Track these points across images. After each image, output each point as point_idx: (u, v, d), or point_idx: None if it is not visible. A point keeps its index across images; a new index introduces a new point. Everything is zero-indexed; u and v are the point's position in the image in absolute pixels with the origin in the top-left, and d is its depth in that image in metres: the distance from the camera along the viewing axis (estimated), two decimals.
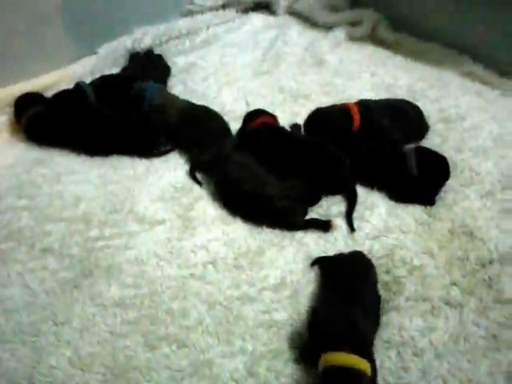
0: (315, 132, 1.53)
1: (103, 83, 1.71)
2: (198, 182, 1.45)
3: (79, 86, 1.66)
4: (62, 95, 1.64)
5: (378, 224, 1.35)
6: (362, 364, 0.94)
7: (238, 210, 1.36)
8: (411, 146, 1.49)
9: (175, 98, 1.63)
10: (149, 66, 1.83)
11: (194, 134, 1.50)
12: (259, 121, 1.52)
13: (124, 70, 1.84)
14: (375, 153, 1.46)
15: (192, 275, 1.21)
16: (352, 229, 1.33)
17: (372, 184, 1.45)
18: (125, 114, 1.60)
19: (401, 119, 1.56)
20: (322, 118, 1.53)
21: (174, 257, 1.24)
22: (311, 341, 1.04)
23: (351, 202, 1.39)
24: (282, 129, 1.55)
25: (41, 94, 1.67)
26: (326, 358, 0.96)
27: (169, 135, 1.55)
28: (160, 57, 1.90)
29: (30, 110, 1.59)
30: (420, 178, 1.39)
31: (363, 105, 1.56)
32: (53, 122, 1.58)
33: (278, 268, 1.24)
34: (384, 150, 1.47)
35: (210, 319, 1.13)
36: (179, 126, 1.53)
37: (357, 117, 1.52)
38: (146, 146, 1.54)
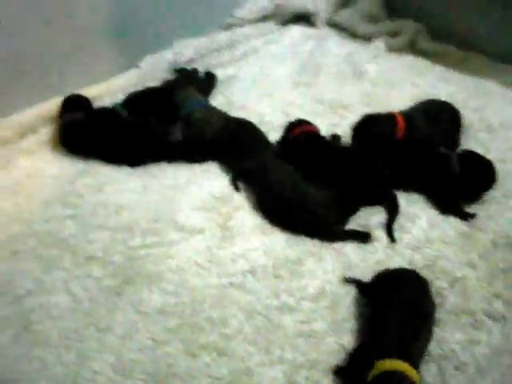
0: (361, 137, 1.53)
1: (133, 98, 1.75)
2: (238, 190, 1.47)
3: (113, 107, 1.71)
4: (95, 111, 1.69)
5: (418, 235, 1.33)
6: (414, 374, 0.94)
7: (277, 219, 1.37)
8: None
9: (217, 113, 1.65)
10: (192, 80, 1.86)
11: (234, 148, 1.53)
12: (300, 129, 1.53)
13: (167, 83, 1.86)
14: (417, 156, 1.46)
15: (231, 284, 1.22)
16: (392, 239, 1.32)
17: (414, 189, 1.45)
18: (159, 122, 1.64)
19: (438, 124, 1.56)
20: (367, 124, 1.53)
21: (214, 265, 1.25)
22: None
23: (392, 212, 1.38)
24: (322, 138, 1.56)
25: (87, 99, 1.71)
26: (378, 365, 0.95)
27: (207, 148, 1.58)
28: (206, 74, 1.93)
29: (68, 115, 1.64)
30: (463, 178, 1.39)
31: (406, 114, 1.56)
32: (88, 133, 1.61)
33: (317, 278, 1.24)
34: (426, 153, 1.47)
35: (250, 328, 1.13)
36: (219, 140, 1.56)
37: (401, 124, 1.51)
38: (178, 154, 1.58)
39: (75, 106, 1.68)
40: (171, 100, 1.70)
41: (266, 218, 1.39)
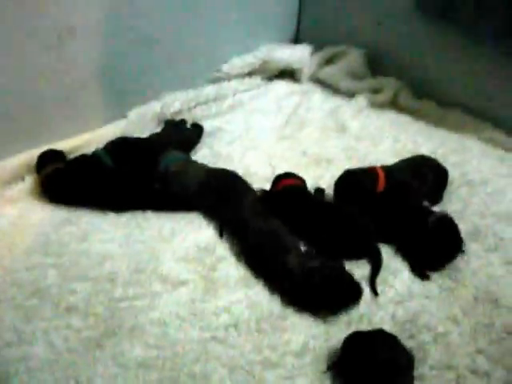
0: (342, 192, 1.55)
1: (117, 146, 1.75)
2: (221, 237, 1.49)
3: (94, 153, 1.72)
4: (79, 158, 1.70)
5: (401, 289, 1.34)
6: None
7: (259, 274, 1.37)
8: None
9: (195, 167, 1.66)
10: (177, 133, 1.89)
11: (218, 198, 1.53)
12: (282, 183, 1.55)
13: (153, 135, 1.88)
14: (395, 208, 1.49)
15: (214, 338, 1.20)
16: (375, 293, 1.32)
17: (395, 242, 1.46)
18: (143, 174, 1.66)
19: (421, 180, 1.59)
20: (349, 180, 1.55)
21: (197, 319, 1.24)
22: None
23: (375, 266, 1.39)
24: (305, 192, 1.57)
25: (62, 152, 1.71)
26: None
27: (189, 200, 1.59)
28: (194, 125, 1.96)
29: (48, 167, 1.63)
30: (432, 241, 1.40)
31: (387, 169, 1.59)
32: (71, 181, 1.61)
33: (301, 333, 1.23)
34: (403, 205, 1.49)
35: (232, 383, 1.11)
36: (200, 193, 1.57)
37: (382, 178, 1.53)
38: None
39: (53, 157, 1.67)
40: (152, 151, 1.72)
41: (249, 270, 1.39)
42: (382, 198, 1.52)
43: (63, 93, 1.75)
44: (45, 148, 1.70)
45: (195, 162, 1.68)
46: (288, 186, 1.55)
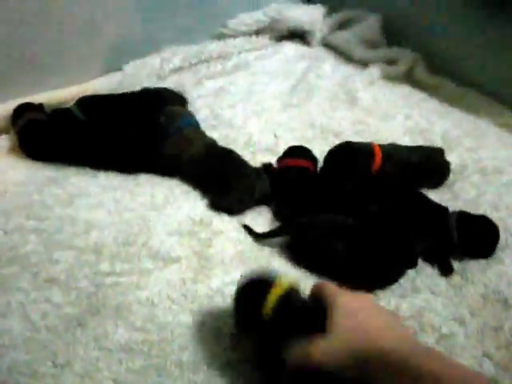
0: (334, 166, 1.43)
1: (87, 101, 1.62)
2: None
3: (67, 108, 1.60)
4: (54, 111, 1.59)
5: (405, 282, 1.25)
6: None
7: None
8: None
9: (203, 137, 1.53)
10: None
11: (213, 179, 1.41)
12: (288, 161, 1.43)
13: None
14: (412, 205, 1.35)
15: (204, 323, 1.11)
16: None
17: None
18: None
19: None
20: (344, 153, 1.42)
21: (188, 301, 1.14)
22: None
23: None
24: (312, 176, 1.43)
25: (41, 105, 1.59)
26: None
27: (187, 168, 1.47)
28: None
29: (24, 116, 1.52)
30: (461, 242, 1.28)
31: (386, 147, 1.47)
32: (49, 133, 1.50)
33: None
34: (422, 203, 1.36)
35: None
36: (201, 163, 1.44)
37: (379, 157, 1.41)
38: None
39: (30, 109, 1.55)
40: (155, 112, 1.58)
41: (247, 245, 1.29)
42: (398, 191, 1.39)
43: (56, 40, 1.62)
44: (31, 99, 1.58)
45: (203, 134, 1.55)
46: (293, 166, 1.42)
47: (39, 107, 1.58)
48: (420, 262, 1.30)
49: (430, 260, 1.31)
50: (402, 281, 1.25)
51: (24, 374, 1.00)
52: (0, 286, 1.14)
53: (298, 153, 1.46)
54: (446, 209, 1.34)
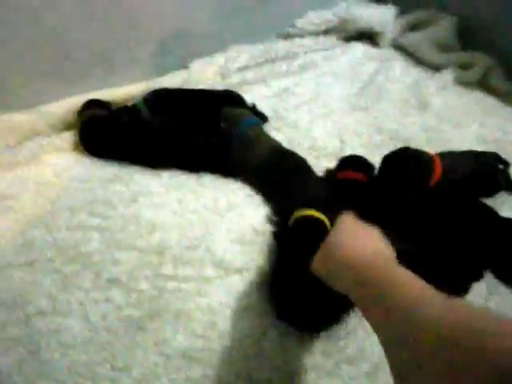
0: (392, 173, 1.33)
1: (157, 97, 1.60)
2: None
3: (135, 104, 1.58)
4: (119, 108, 1.58)
5: (477, 302, 1.17)
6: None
7: None
8: None
9: (268, 139, 1.47)
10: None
11: (282, 185, 1.35)
12: (345, 174, 1.36)
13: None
14: (480, 222, 1.25)
15: (264, 335, 1.07)
16: None
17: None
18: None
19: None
20: (406, 160, 1.32)
21: (250, 312, 1.10)
22: None
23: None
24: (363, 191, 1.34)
25: (108, 103, 1.59)
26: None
27: (252, 173, 1.42)
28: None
29: (87, 112, 1.51)
30: None
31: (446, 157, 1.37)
32: (109, 130, 1.48)
33: (358, 339, 1.08)
34: (490, 220, 1.26)
35: None
36: (266, 170, 1.39)
37: (439, 169, 1.31)
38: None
39: (95, 105, 1.55)
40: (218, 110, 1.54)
41: None
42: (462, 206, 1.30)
43: (121, 37, 1.60)
44: (96, 94, 1.58)
45: (266, 133, 1.49)
46: (349, 179, 1.35)
47: (105, 104, 1.57)
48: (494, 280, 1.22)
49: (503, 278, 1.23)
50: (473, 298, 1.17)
51: (82, 375, 0.99)
52: (61, 284, 1.13)
53: (346, 165, 1.40)
54: None
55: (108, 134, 1.47)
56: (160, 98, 1.59)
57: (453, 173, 1.34)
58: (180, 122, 1.52)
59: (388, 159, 1.35)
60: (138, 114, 1.54)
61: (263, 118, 1.62)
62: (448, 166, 1.34)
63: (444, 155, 1.38)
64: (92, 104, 1.55)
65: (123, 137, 1.46)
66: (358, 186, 1.35)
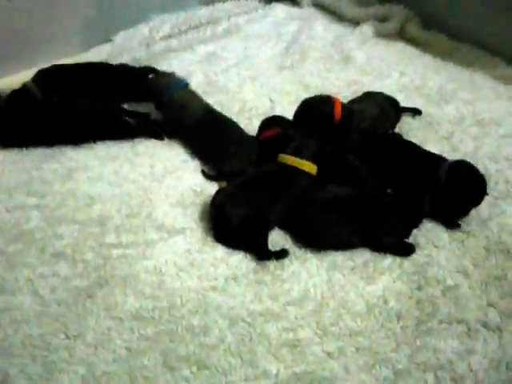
0: (300, 119, 1.40)
1: (48, 75, 1.57)
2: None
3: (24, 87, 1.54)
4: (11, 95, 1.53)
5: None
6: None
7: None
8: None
9: (196, 99, 1.52)
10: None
11: (212, 141, 1.41)
12: (266, 134, 1.42)
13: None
14: (401, 155, 1.36)
15: (213, 288, 1.12)
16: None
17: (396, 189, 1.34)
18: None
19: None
20: (308, 106, 1.41)
21: (195, 268, 1.15)
22: None
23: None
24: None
25: None
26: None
27: (184, 136, 1.47)
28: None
29: None
30: (448, 190, 1.29)
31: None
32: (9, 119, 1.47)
33: (301, 281, 1.15)
34: (411, 153, 1.37)
35: (232, 337, 1.04)
36: (196, 129, 1.44)
37: (338, 107, 1.38)
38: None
39: None
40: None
41: None
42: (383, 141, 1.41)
43: (46, 13, 1.58)
44: (24, 74, 1.56)
45: (197, 95, 1.53)
46: (268, 138, 1.41)
47: None
48: None
49: (432, 215, 1.32)
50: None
51: (38, 346, 1.02)
52: (6, 263, 1.15)
53: (269, 123, 1.44)
54: (440, 158, 1.34)
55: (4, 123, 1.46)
56: (51, 76, 1.57)
57: (360, 112, 1.44)
58: (77, 95, 1.52)
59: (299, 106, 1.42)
60: (27, 94, 1.52)
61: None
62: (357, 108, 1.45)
63: (354, 101, 1.51)
64: None
65: (20, 123, 1.45)
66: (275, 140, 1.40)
